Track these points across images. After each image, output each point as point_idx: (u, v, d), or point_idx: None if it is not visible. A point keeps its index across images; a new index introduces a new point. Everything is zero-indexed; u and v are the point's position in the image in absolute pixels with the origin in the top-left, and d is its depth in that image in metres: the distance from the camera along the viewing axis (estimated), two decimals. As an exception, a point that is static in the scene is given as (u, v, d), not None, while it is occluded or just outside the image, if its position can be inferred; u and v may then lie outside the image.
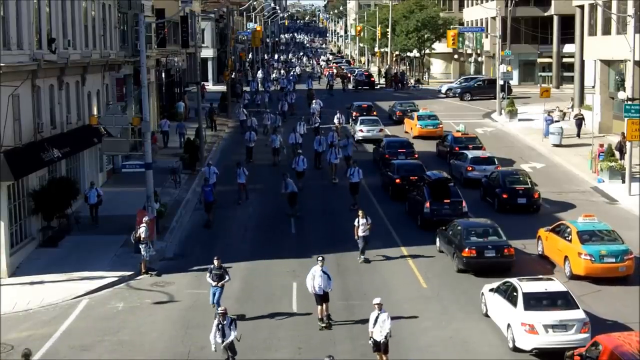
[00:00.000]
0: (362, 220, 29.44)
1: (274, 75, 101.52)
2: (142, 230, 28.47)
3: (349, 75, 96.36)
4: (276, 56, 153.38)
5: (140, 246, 28.55)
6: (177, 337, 23.34)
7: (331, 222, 35.16)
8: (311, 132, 53.18)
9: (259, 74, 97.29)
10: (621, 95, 48.95)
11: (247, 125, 54.44)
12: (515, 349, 21.77)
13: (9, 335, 23.22)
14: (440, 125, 55.93)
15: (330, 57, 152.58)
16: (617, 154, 43.23)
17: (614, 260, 27.13)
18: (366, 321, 24.16)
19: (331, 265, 29.40)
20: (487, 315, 24.11)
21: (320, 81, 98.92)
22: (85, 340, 23.06)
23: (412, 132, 56.30)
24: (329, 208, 37.59)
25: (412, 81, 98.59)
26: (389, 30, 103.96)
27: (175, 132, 54.21)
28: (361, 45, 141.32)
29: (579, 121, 52.40)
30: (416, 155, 44.59)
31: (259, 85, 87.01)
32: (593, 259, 27.07)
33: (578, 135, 53.30)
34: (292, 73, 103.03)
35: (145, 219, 29.23)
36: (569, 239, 28.26)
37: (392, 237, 32.70)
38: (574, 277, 27.49)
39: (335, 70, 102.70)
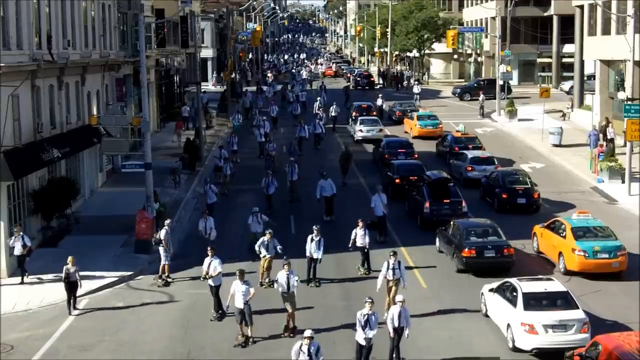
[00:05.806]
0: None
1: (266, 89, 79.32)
2: (162, 233, 28.17)
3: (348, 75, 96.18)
4: (272, 57, 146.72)
5: (160, 249, 28.10)
6: (177, 337, 23.33)
7: (331, 222, 35.09)
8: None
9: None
10: (621, 95, 48.94)
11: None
12: (515, 349, 21.77)
13: (9, 335, 23.23)
14: (440, 125, 55.96)
15: (324, 61, 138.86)
16: (601, 136, 42.98)
17: (607, 256, 27.33)
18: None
19: (330, 265, 29.38)
20: (487, 315, 24.11)
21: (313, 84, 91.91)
22: (85, 340, 23.06)
23: (412, 132, 56.32)
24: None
25: (412, 81, 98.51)
26: (388, 30, 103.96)
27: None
28: (361, 45, 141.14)
29: None
30: (416, 155, 44.57)
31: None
32: (587, 255, 27.28)
33: None
34: (292, 98, 71.39)
35: (167, 222, 28.93)
36: (564, 235, 28.45)
37: (391, 237, 32.67)
38: (567, 272, 27.71)
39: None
